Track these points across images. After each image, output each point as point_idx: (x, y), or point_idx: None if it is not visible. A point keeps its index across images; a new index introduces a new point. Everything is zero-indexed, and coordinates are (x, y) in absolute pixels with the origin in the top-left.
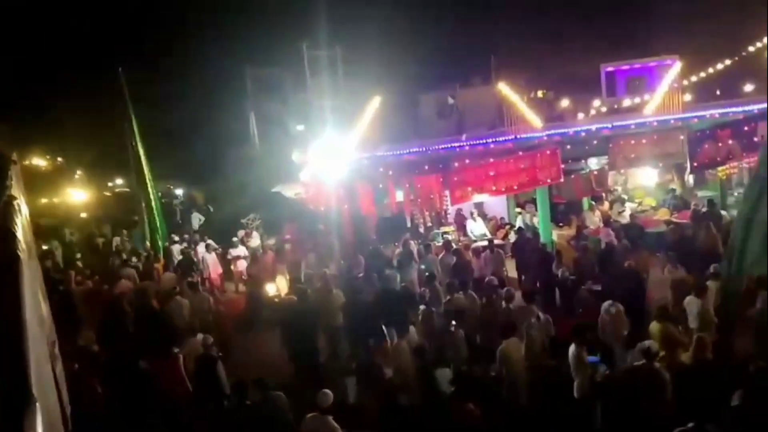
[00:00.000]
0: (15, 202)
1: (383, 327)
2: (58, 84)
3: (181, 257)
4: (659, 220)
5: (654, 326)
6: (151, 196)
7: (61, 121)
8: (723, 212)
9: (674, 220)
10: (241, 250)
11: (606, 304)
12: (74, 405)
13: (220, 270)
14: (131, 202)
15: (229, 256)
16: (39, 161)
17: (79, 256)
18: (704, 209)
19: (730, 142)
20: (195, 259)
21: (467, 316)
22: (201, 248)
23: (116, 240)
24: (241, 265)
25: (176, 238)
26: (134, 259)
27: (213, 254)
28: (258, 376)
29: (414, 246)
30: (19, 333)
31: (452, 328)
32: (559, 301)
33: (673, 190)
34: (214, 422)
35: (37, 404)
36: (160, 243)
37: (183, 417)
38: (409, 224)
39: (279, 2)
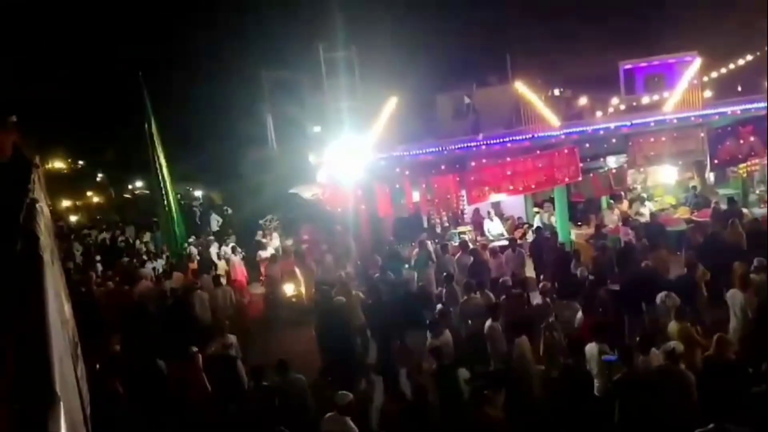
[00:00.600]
0: (37, 205)
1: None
2: (80, 88)
3: (199, 258)
4: (679, 218)
5: (673, 326)
6: (171, 198)
7: (83, 124)
8: (744, 210)
9: (694, 218)
10: (270, 252)
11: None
12: (95, 405)
13: (245, 272)
14: (151, 204)
15: (258, 258)
16: (60, 164)
17: (98, 258)
18: (724, 207)
19: (752, 138)
20: (215, 261)
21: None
22: (215, 249)
23: (137, 242)
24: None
25: (194, 240)
26: (159, 260)
27: (239, 256)
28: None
29: (431, 246)
30: (42, 333)
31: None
32: (578, 301)
33: (694, 187)
34: (234, 416)
35: (61, 403)
36: (179, 244)
37: (201, 417)
38: (425, 224)
39: (295, 5)
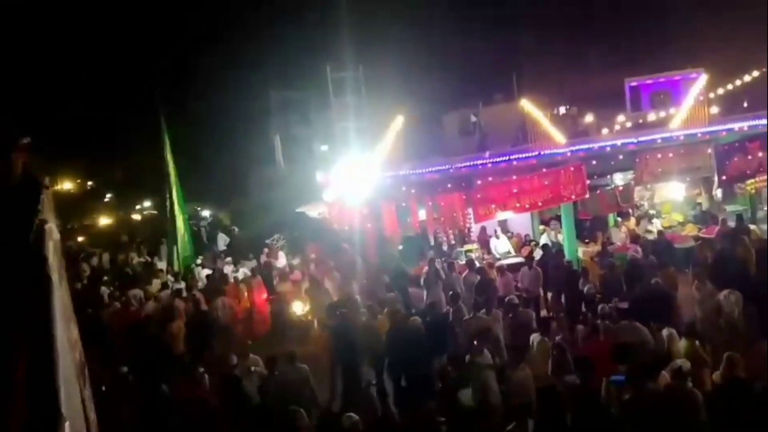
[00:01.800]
0: (46, 226)
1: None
2: (89, 107)
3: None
4: (687, 235)
5: (681, 344)
6: (180, 219)
7: (92, 144)
8: (752, 226)
9: (702, 235)
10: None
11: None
12: (101, 428)
13: (265, 293)
14: (159, 225)
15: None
16: (69, 185)
17: (105, 278)
18: (731, 224)
19: (760, 154)
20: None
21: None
22: (229, 268)
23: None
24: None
25: (200, 260)
26: (171, 278)
27: (258, 277)
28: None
29: (439, 264)
30: (50, 353)
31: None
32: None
33: (700, 204)
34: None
35: (67, 424)
36: (186, 264)
37: None
38: (432, 243)
39: (303, 26)
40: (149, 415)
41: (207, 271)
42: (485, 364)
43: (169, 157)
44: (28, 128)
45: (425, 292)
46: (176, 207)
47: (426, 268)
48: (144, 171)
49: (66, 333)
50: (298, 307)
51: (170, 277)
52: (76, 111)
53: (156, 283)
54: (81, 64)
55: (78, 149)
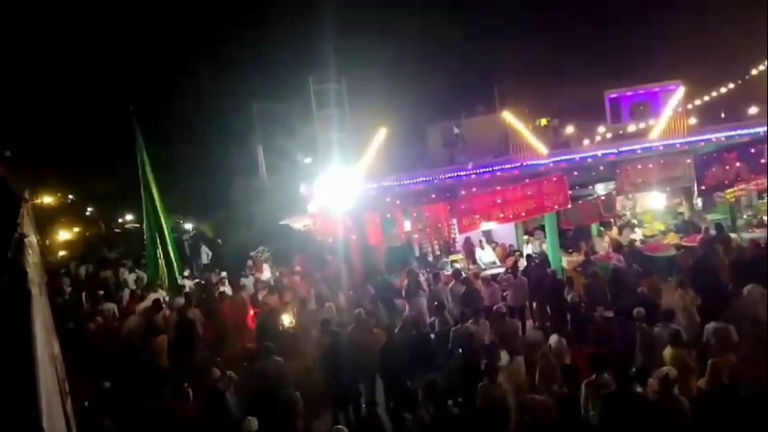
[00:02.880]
0: (26, 240)
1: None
2: (70, 121)
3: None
4: (668, 244)
5: (667, 351)
6: (166, 231)
7: (73, 158)
8: (733, 235)
9: (684, 244)
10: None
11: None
12: None
13: (251, 310)
14: (141, 238)
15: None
16: (50, 199)
17: (84, 294)
18: (712, 232)
19: (738, 164)
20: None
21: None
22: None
23: (131, 276)
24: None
25: (186, 273)
26: (162, 292)
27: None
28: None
29: (422, 275)
30: (30, 366)
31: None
32: (571, 328)
33: (681, 213)
34: None
35: None
36: (176, 278)
37: None
38: (417, 253)
39: (285, 38)
40: (133, 430)
41: (190, 283)
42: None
43: (148, 170)
44: (7, 142)
45: (406, 304)
46: (162, 220)
47: (405, 280)
48: (126, 184)
49: (47, 347)
50: (286, 320)
51: (162, 292)
52: (56, 124)
53: (152, 296)
54: (62, 76)
55: (58, 163)
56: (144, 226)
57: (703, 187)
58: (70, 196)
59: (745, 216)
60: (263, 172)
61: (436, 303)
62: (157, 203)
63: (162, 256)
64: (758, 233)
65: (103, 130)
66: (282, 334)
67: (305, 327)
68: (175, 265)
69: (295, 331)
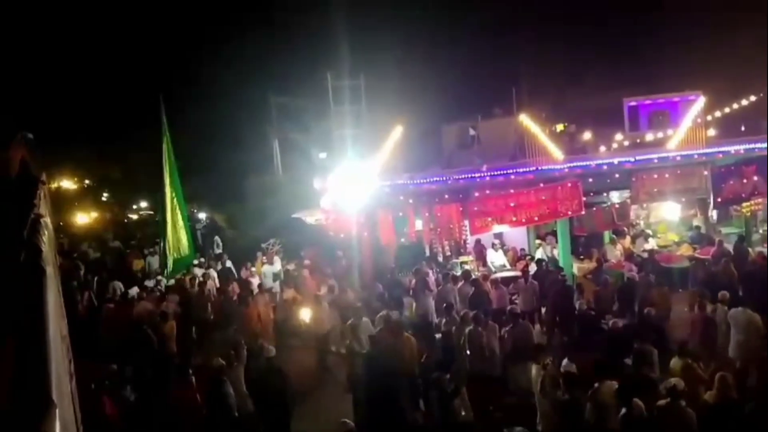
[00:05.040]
0: (42, 220)
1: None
2: (90, 106)
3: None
4: (682, 255)
5: (675, 363)
6: (183, 218)
7: (91, 144)
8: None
9: (697, 255)
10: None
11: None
12: (86, 423)
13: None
14: (155, 225)
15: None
16: (66, 183)
17: (96, 278)
18: (727, 245)
19: (756, 178)
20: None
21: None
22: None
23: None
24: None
25: (197, 262)
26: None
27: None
28: None
29: (432, 275)
30: (42, 340)
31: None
32: (579, 335)
33: (698, 227)
34: None
35: (57, 410)
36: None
37: None
38: (427, 253)
39: (305, 33)
40: (138, 414)
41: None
42: None
43: (169, 156)
44: (28, 124)
45: (414, 303)
46: (176, 206)
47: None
48: (141, 171)
49: (57, 326)
50: (306, 315)
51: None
52: (76, 109)
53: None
54: (83, 64)
55: (76, 147)
56: (159, 213)
57: (719, 200)
58: (87, 181)
59: (761, 231)
60: (278, 165)
61: (444, 304)
62: (172, 191)
63: (170, 245)
64: None
65: (121, 116)
66: (300, 329)
67: (322, 323)
68: (186, 250)
69: (313, 327)
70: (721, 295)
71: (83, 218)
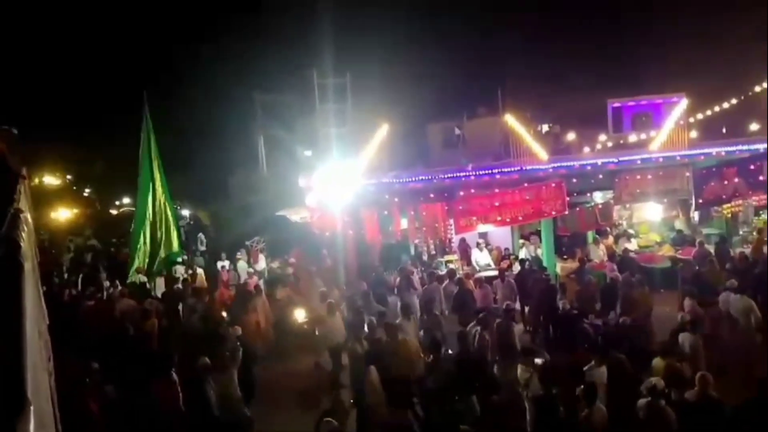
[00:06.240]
0: (21, 215)
1: None
2: (72, 104)
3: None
4: (663, 256)
5: (657, 362)
6: (170, 214)
7: (73, 139)
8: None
9: (679, 256)
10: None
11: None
12: (66, 421)
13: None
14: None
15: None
16: (48, 178)
17: (81, 276)
18: (707, 246)
19: (736, 179)
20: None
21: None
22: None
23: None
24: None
25: (180, 260)
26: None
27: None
28: None
29: (416, 273)
30: (18, 337)
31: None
32: (560, 334)
33: (680, 231)
34: None
35: (32, 408)
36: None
37: None
38: (412, 252)
39: (291, 30)
40: (118, 412)
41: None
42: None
43: (154, 153)
44: (10, 119)
45: (398, 301)
46: (165, 203)
47: (398, 278)
48: (125, 167)
49: (35, 322)
50: (300, 315)
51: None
52: (59, 104)
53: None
54: (67, 59)
55: (59, 143)
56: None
57: (700, 201)
58: (68, 177)
59: (741, 232)
60: (263, 162)
61: (425, 301)
62: (160, 187)
63: (149, 242)
64: None
65: (104, 112)
66: (297, 329)
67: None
68: (171, 247)
69: (309, 327)
70: (730, 283)
71: (65, 213)
